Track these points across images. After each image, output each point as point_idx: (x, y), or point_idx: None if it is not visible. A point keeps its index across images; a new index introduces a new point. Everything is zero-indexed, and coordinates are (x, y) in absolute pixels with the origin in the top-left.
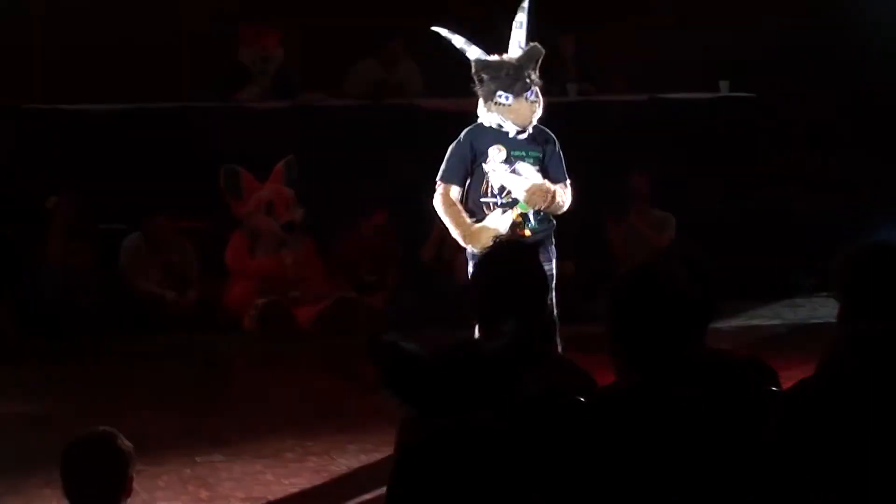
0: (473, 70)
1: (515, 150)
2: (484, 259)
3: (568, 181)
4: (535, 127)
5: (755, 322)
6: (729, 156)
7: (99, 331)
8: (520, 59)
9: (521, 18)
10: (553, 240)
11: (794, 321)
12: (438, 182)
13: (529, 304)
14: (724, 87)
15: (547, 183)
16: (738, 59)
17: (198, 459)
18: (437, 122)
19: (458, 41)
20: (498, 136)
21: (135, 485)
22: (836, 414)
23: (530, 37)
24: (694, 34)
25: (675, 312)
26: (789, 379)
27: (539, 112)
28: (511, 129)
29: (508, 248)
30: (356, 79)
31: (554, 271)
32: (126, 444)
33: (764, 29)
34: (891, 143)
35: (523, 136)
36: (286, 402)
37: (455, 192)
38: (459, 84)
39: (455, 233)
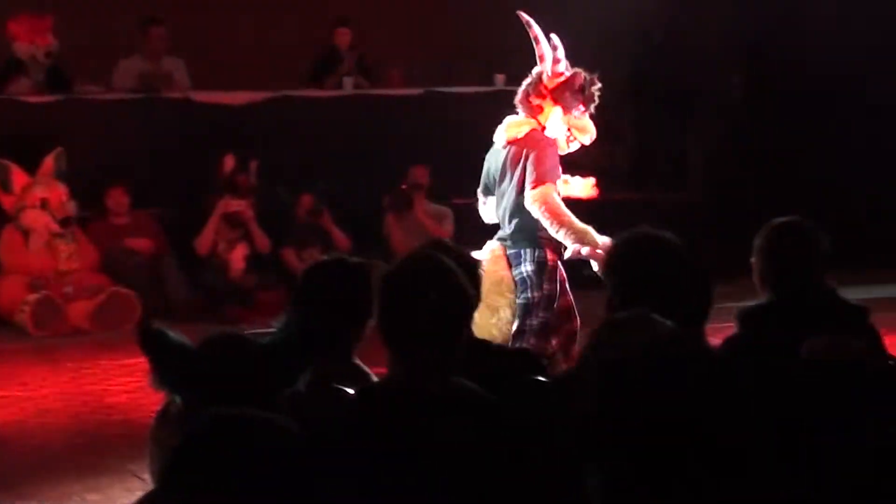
0: (576, 81)
1: None
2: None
3: None
4: None
5: None
6: None
7: None
8: (586, 77)
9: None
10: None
11: None
12: (543, 183)
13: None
14: (498, 81)
15: None
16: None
17: None
18: (211, 116)
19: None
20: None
21: None
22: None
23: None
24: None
25: (451, 304)
26: None
27: None
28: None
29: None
30: (123, 73)
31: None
32: None
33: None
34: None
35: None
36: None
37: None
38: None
39: (570, 234)
